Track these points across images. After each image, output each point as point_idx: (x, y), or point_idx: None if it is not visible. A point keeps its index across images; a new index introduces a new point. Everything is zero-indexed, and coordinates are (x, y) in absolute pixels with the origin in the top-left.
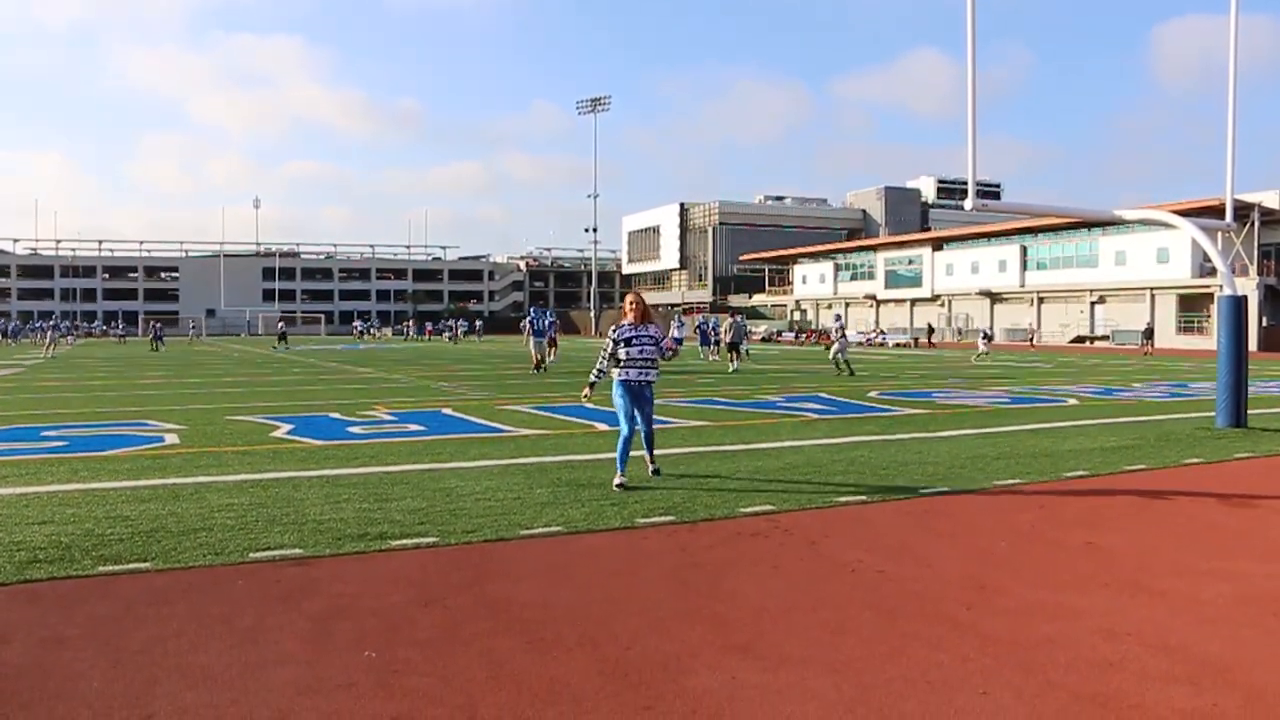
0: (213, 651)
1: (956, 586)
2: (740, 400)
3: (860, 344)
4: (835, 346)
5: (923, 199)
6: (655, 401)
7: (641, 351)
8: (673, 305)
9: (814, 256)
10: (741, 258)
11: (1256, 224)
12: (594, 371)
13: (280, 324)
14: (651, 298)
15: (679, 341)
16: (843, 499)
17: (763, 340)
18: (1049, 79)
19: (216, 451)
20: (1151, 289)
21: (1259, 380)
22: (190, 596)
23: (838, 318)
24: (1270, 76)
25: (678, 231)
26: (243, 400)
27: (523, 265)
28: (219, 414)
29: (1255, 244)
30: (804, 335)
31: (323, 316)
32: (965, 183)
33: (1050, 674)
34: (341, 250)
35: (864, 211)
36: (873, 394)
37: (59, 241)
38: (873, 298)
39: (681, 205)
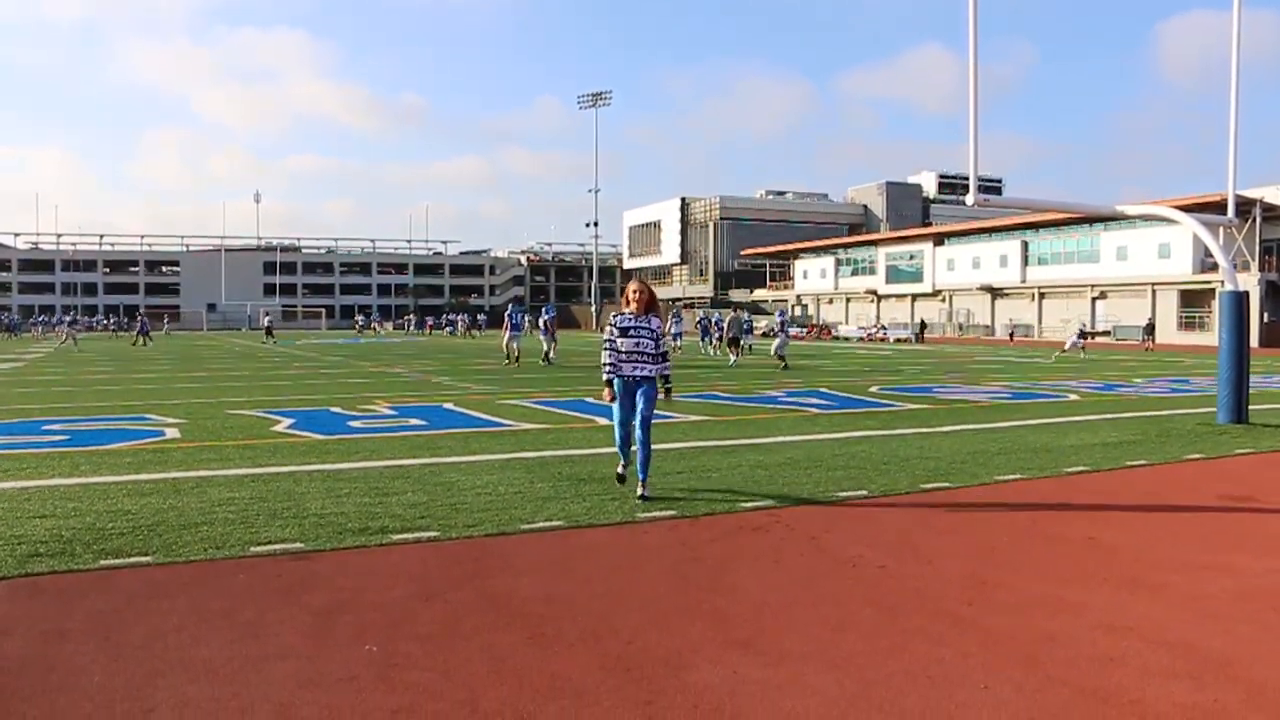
0: (214, 645)
1: (958, 582)
2: (741, 395)
3: (861, 339)
4: (777, 342)
5: (924, 194)
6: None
7: (639, 344)
8: (674, 300)
9: (815, 251)
10: (742, 252)
11: (1258, 220)
12: (606, 369)
13: (267, 318)
14: None
15: (677, 336)
16: (844, 494)
17: (764, 335)
18: (1052, 75)
19: (217, 445)
20: (1153, 284)
21: (1260, 376)
22: (191, 590)
23: (781, 314)
24: (1273, 72)
25: (679, 226)
26: (243, 394)
27: (524, 260)
28: (219, 408)
29: (1257, 240)
30: (806, 329)
31: (324, 311)
32: (967, 178)
33: (1051, 669)
34: (342, 245)
35: (865, 207)
36: (874, 389)
37: (60, 236)
38: (874, 293)
39: (683, 200)
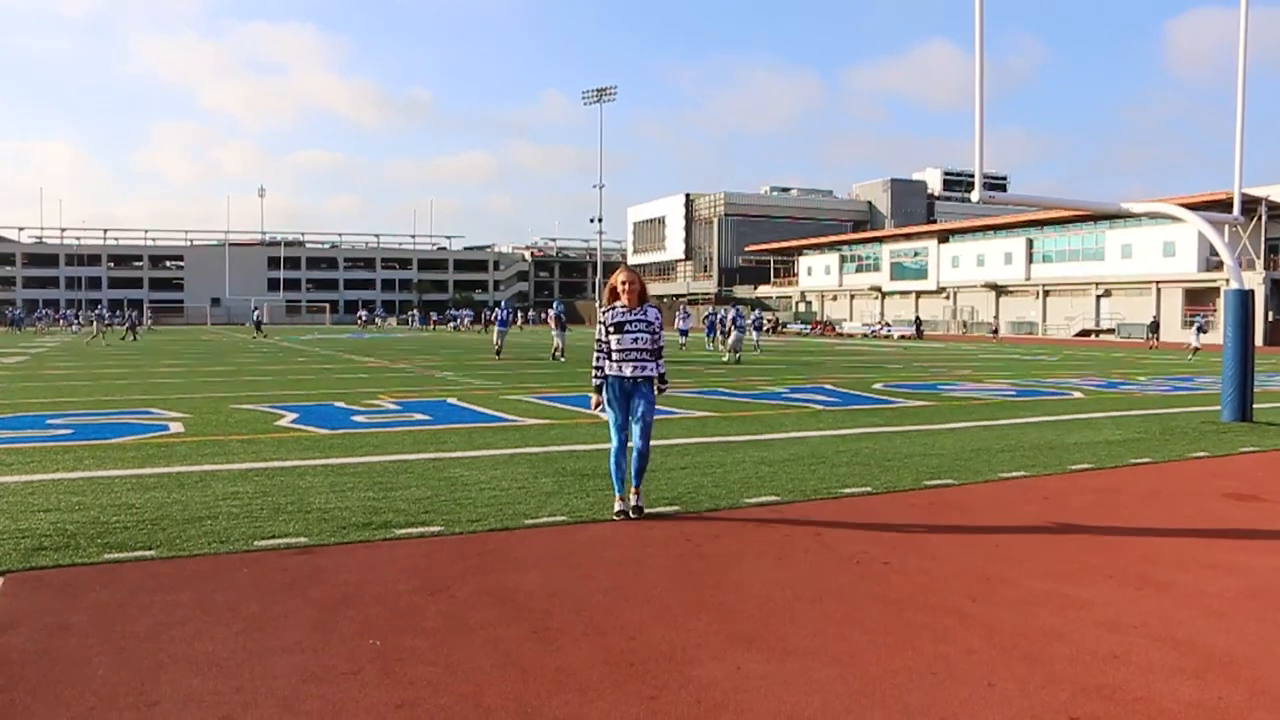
0: (218, 639)
1: (962, 578)
2: (744, 391)
3: (866, 335)
4: (733, 337)
5: (929, 191)
6: (656, 404)
7: (636, 340)
8: (678, 296)
9: (819, 248)
10: (747, 249)
11: (1264, 218)
12: (594, 373)
13: (256, 312)
14: (656, 288)
15: (684, 334)
16: (848, 490)
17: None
18: (1060, 72)
19: (221, 440)
20: (1158, 282)
21: (1265, 375)
22: (195, 584)
23: (736, 309)
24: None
25: (683, 222)
26: (247, 389)
27: (528, 255)
28: (224, 403)
29: (1262, 238)
30: (811, 326)
31: (327, 306)
32: (972, 175)
33: (1055, 666)
34: (346, 240)
35: (869, 203)
36: (877, 386)
37: (64, 230)
38: (878, 290)
39: (687, 196)
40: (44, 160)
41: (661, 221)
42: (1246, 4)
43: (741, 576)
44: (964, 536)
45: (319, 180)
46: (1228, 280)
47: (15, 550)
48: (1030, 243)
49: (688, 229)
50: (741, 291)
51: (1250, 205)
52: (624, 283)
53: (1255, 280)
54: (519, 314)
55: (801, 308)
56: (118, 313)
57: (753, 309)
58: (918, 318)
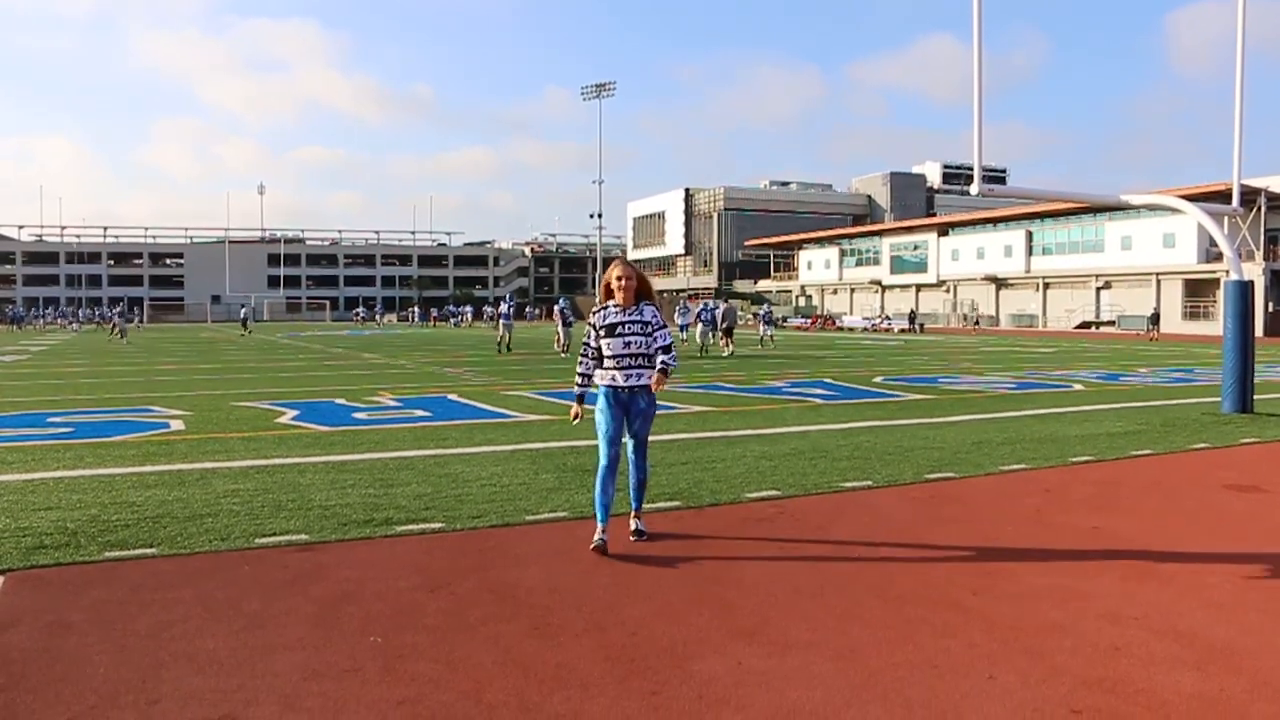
0: (219, 636)
1: (962, 572)
2: (744, 385)
3: (866, 329)
4: (699, 330)
5: (929, 184)
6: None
7: (629, 345)
8: (678, 291)
9: (819, 242)
10: (747, 243)
11: (1263, 209)
12: (578, 379)
13: (243, 309)
14: (657, 284)
15: (684, 329)
16: (848, 484)
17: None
18: (1063, 66)
19: (222, 437)
20: (1157, 274)
21: (1265, 365)
22: (196, 582)
23: (703, 304)
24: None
25: (683, 217)
26: (248, 386)
27: (528, 251)
28: (224, 400)
29: (1262, 229)
30: (810, 320)
31: (327, 303)
32: (971, 168)
33: (1056, 658)
34: (346, 237)
35: (869, 197)
36: (878, 379)
37: (64, 228)
38: (878, 283)
39: (686, 191)
40: (46, 157)
41: (661, 216)
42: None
43: (741, 571)
44: (965, 530)
45: (321, 177)
46: (1227, 271)
47: (16, 548)
48: (1030, 235)
49: (687, 224)
50: (742, 286)
51: (1250, 196)
52: (619, 278)
53: (1255, 271)
54: (525, 309)
55: (802, 302)
56: (118, 309)
57: (751, 303)
58: (913, 311)
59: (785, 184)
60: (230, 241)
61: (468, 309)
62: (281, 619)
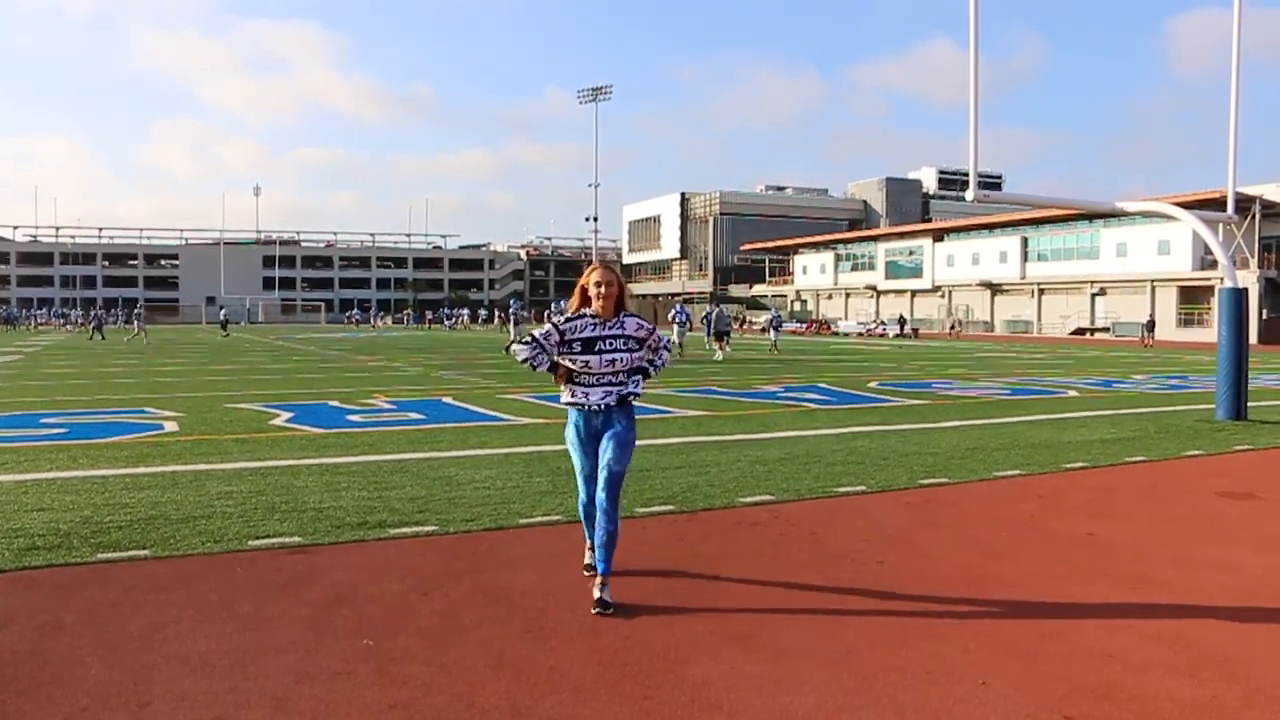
0: (211, 639)
1: (956, 578)
2: (739, 390)
3: (861, 334)
4: (676, 331)
5: (924, 190)
6: (637, 429)
7: (615, 362)
8: (673, 295)
9: (815, 247)
10: (742, 247)
11: (1258, 217)
12: (531, 358)
13: (223, 311)
14: (652, 287)
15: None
16: (843, 489)
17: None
18: (1063, 70)
19: (216, 439)
20: (1152, 281)
21: (1259, 373)
22: (189, 584)
23: (680, 308)
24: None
25: (678, 221)
26: (242, 388)
27: (523, 254)
28: (218, 401)
29: (1256, 237)
30: (806, 325)
31: (323, 305)
32: (967, 174)
33: (1050, 665)
34: (342, 239)
35: (865, 202)
36: (873, 384)
37: (59, 229)
38: (873, 288)
39: (682, 195)
40: (45, 156)
41: (657, 220)
42: (1239, 6)
43: (735, 576)
44: (959, 536)
45: (320, 177)
46: (1222, 279)
47: (8, 550)
48: (1025, 241)
49: (683, 228)
50: (737, 290)
51: (1244, 204)
52: (598, 284)
53: (1249, 279)
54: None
55: (797, 306)
56: (96, 311)
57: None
58: (902, 318)
59: (781, 188)
60: (225, 243)
61: (463, 311)
62: (274, 621)
